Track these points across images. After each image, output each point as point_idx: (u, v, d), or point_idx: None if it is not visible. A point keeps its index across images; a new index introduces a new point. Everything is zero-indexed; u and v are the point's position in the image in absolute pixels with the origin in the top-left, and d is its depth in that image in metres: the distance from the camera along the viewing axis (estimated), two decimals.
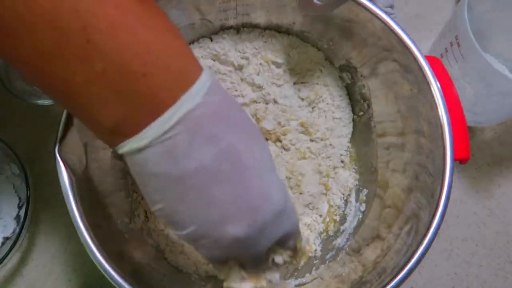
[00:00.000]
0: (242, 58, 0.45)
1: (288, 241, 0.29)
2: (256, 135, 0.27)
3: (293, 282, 0.42)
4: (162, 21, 0.24)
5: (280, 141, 0.47)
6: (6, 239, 0.45)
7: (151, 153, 0.23)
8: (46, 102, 0.48)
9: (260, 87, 0.45)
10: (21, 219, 0.43)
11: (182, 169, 0.24)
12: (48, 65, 0.22)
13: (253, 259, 0.28)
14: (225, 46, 0.45)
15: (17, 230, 0.42)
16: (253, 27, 0.45)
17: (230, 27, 0.45)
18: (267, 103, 0.46)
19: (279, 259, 0.29)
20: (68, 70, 0.22)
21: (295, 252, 0.31)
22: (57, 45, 0.21)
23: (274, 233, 0.27)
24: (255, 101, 0.46)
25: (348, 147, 0.48)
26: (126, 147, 0.24)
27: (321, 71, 0.47)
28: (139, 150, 0.24)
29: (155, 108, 0.23)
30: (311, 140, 0.47)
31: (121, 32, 0.22)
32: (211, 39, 0.45)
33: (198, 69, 0.25)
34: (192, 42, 0.45)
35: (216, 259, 0.28)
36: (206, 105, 0.24)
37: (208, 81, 0.24)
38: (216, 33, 0.45)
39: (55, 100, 0.25)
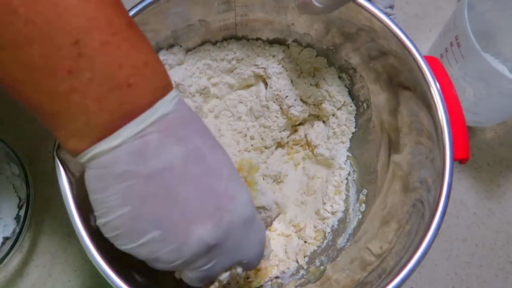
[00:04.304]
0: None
1: (252, 262, 0.28)
2: (219, 144, 0.28)
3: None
4: (145, 42, 0.26)
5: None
6: (6, 239, 0.45)
7: (121, 151, 0.24)
8: None
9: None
10: (21, 219, 0.43)
11: (151, 168, 0.24)
12: (31, 77, 0.23)
13: (215, 274, 0.27)
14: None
15: (17, 230, 0.42)
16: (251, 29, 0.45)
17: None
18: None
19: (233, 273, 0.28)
20: (53, 81, 0.23)
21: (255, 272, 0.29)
22: (45, 57, 0.22)
23: (240, 243, 0.26)
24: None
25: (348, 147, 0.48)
26: (95, 150, 0.24)
27: (321, 72, 0.47)
28: (108, 151, 0.24)
29: (132, 112, 0.24)
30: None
31: (112, 49, 0.23)
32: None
33: (171, 84, 0.27)
34: (194, 47, 0.45)
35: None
36: (177, 112, 0.25)
37: (177, 95, 0.26)
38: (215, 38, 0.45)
39: (27, 107, 0.24)
